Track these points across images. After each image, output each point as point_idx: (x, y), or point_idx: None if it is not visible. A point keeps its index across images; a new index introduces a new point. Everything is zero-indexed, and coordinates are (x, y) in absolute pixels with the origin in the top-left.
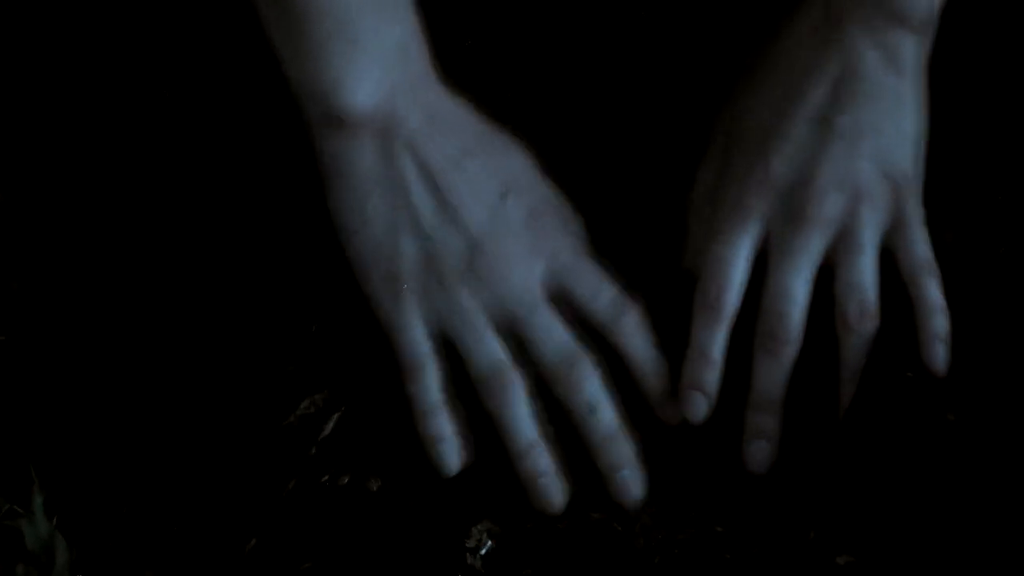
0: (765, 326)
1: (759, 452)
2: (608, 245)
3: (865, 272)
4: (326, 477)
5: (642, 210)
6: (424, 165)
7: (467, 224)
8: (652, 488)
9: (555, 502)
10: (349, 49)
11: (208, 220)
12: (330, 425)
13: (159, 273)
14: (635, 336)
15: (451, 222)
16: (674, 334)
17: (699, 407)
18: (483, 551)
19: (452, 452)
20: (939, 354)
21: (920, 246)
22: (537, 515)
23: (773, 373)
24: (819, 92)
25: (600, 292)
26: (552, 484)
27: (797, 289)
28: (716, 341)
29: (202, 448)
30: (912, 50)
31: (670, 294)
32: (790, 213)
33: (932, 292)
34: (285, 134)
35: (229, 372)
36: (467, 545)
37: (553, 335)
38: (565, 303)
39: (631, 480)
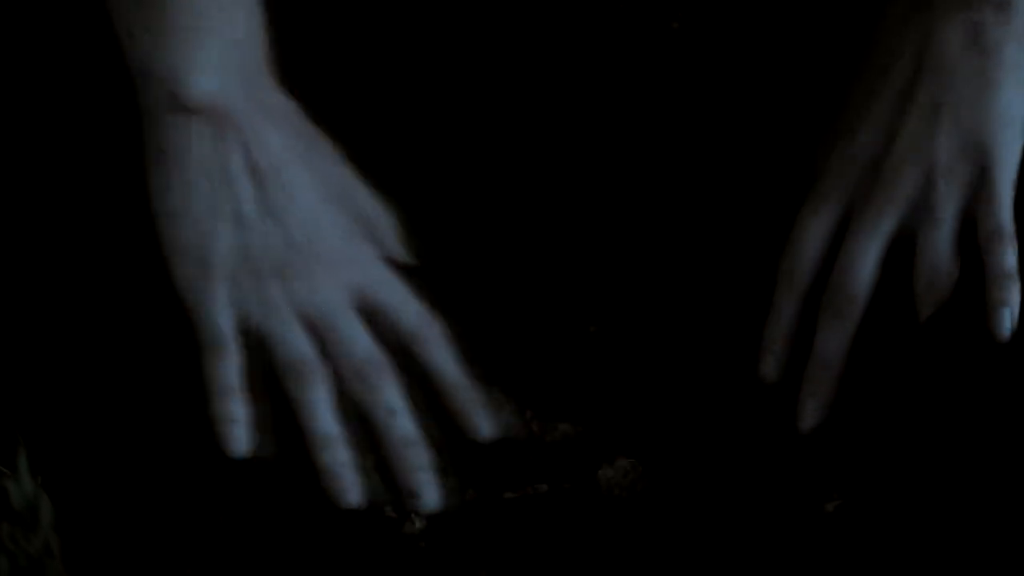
0: (830, 292)
1: (810, 413)
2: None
3: (940, 248)
4: None
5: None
6: (253, 159)
7: (287, 224)
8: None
9: (349, 497)
10: (192, 36)
11: None
12: None
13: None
14: (438, 349)
15: (272, 219)
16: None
17: (768, 367)
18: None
19: (240, 435)
20: (1004, 322)
21: (999, 215)
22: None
23: (833, 338)
24: (902, 69)
25: (406, 306)
26: (348, 478)
27: (865, 259)
28: (786, 307)
29: (187, 410)
30: (996, 29)
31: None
32: (869, 187)
33: (1003, 259)
34: None
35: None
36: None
37: (357, 339)
38: (373, 315)
39: (426, 486)
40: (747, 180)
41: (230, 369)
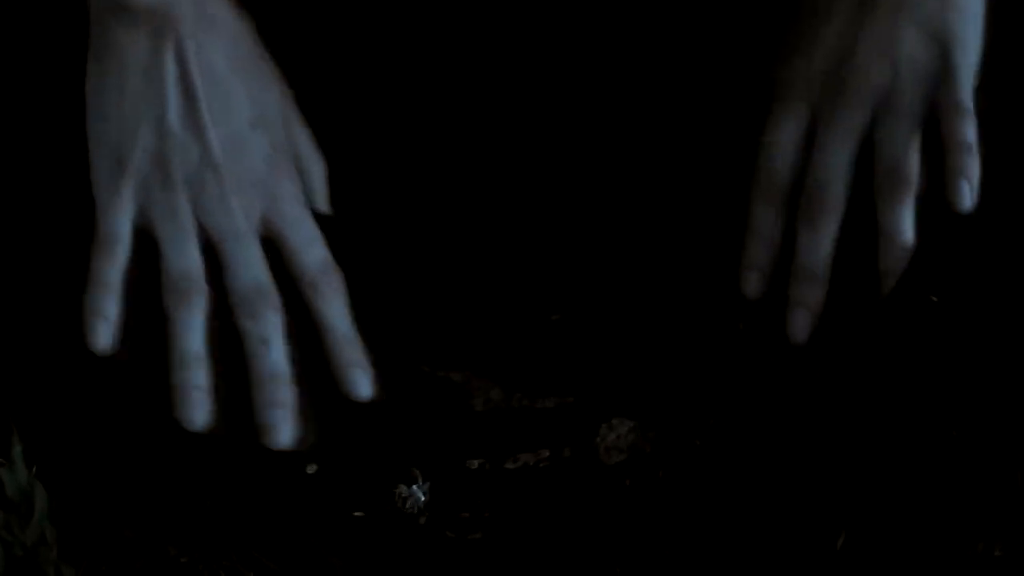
0: (806, 198)
1: (800, 322)
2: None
3: (902, 139)
4: None
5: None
6: (186, 70)
7: (208, 139)
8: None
9: (196, 419)
10: None
11: None
12: None
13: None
14: (334, 300)
15: (194, 132)
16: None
17: (751, 284)
18: (421, 500)
19: (105, 332)
20: (964, 192)
21: (960, 93)
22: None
23: (815, 244)
24: None
25: (311, 248)
26: (199, 401)
27: (838, 161)
28: (764, 217)
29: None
30: None
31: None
32: (834, 89)
33: (962, 132)
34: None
35: None
36: (400, 495)
37: (250, 265)
38: (275, 248)
39: (282, 423)
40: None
41: (114, 267)
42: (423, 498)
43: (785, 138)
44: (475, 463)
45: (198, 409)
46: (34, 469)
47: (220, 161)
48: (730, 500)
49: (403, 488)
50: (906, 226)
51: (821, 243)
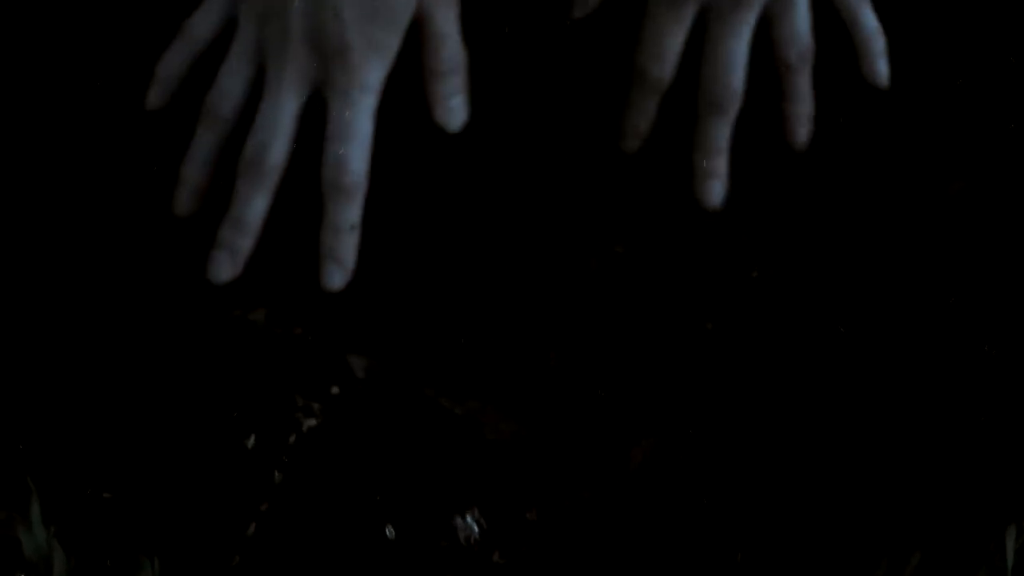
0: (706, 91)
1: (712, 190)
2: None
3: (799, 21)
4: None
5: None
6: None
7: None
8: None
9: (222, 276)
10: None
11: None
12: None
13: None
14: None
15: None
16: None
17: (629, 141)
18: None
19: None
20: (881, 69)
21: None
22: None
23: (717, 129)
24: None
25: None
26: (236, 263)
27: (735, 52)
28: (645, 110)
29: (196, 458)
30: None
31: None
32: None
33: (866, 16)
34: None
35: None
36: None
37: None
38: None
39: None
40: None
41: (205, 22)
42: (477, 529)
43: (676, 29)
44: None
45: (229, 269)
46: (52, 529)
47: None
48: (726, 510)
49: (459, 520)
50: (807, 90)
51: (724, 127)
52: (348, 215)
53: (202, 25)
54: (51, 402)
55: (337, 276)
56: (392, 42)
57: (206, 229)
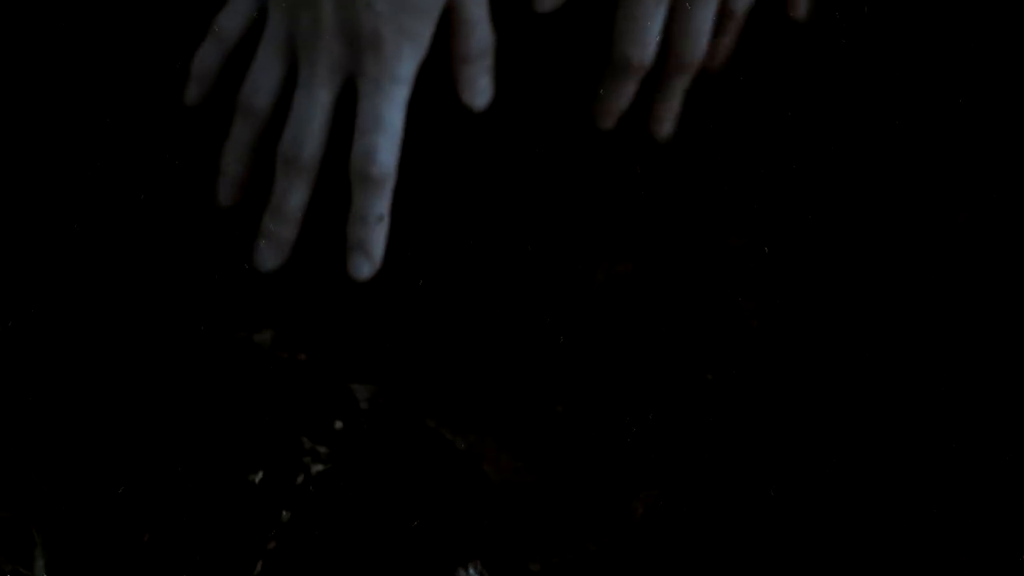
0: (676, 54)
1: (664, 129)
2: None
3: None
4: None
5: None
6: None
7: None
8: None
9: (267, 265)
10: None
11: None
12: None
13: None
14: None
15: None
16: None
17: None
18: None
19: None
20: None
21: None
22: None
23: (679, 83)
24: None
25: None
26: (281, 252)
27: (703, 20)
28: (626, 93)
29: (203, 495)
30: None
31: None
32: None
33: None
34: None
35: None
36: None
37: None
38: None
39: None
40: None
41: (239, 11)
42: None
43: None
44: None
45: (274, 258)
46: None
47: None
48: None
49: (462, 572)
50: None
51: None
52: (376, 206)
53: (233, 19)
54: (55, 442)
55: (365, 267)
56: (425, 32)
57: (216, 241)
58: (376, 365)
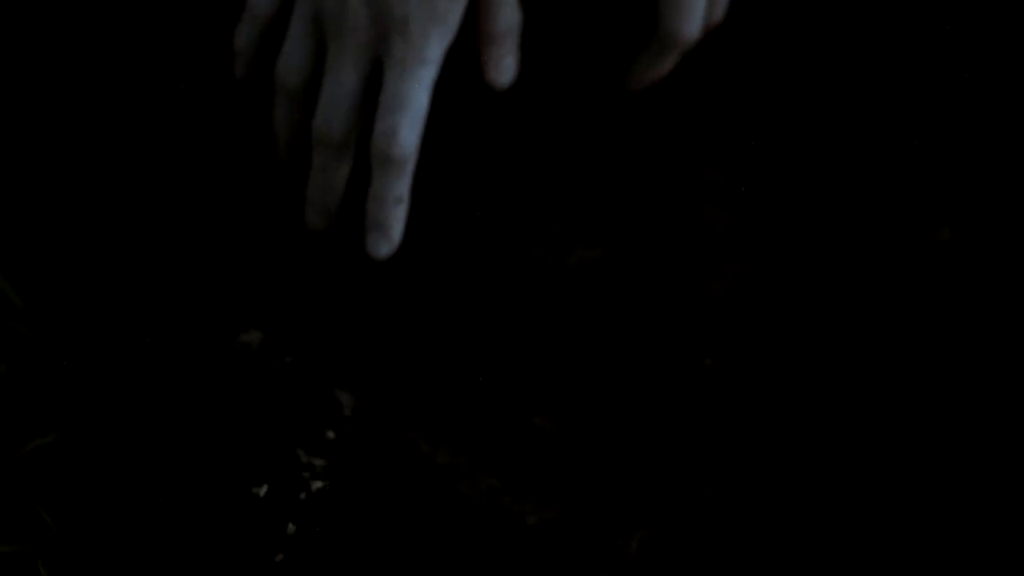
0: (666, 30)
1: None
2: None
3: None
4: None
5: None
6: None
7: None
8: None
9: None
10: None
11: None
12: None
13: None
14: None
15: None
16: None
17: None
18: None
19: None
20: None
21: None
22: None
23: (668, 61)
24: None
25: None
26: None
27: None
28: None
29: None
30: None
31: None
32: None
33: None
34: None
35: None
36: None
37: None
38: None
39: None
40: None
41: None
42: None
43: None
44: None
45: (322, 221)
46: None
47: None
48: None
49: None
50: None
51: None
52: (395, 188)
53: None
54: (58, 471)
55: (382, 246)
56: (455, 13)
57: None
58: (356, 365)
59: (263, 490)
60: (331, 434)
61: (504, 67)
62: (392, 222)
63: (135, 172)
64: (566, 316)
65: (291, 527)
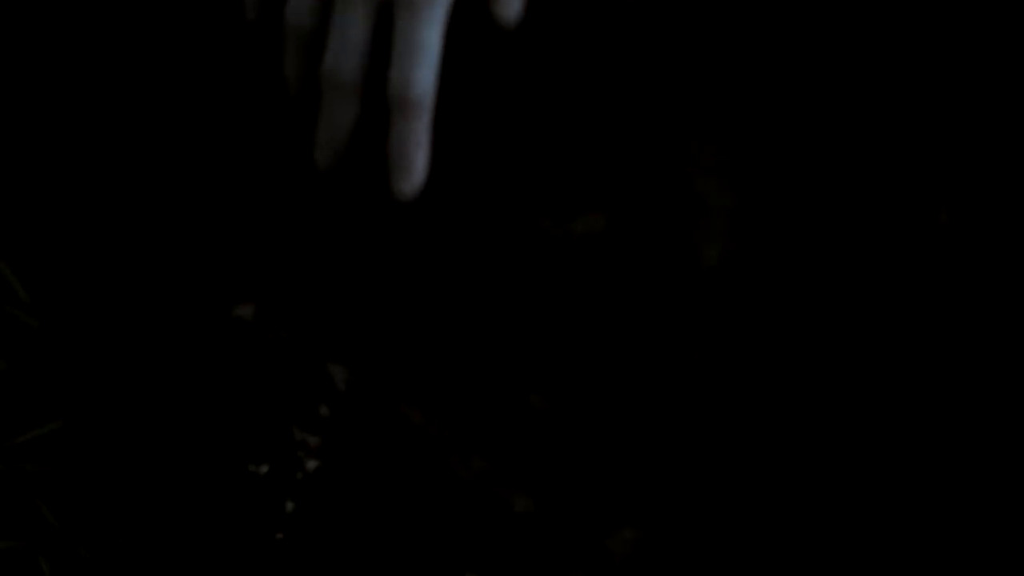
0: None
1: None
2: None
3: None
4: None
5: None
6: None
7: None
8: None
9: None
10: None
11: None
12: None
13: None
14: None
15: None
16: None
17: None
18: None
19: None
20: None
21: None
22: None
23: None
24: None
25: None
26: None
27: None
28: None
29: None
30: None
31: None
32: None
33: None
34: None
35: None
36: None
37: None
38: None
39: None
40: None
41: None
42: None
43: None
44: None
45: (330, 162)
46: None
47: None
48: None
49: None
50: None
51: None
52: (414, 131)
53: None
54: (59, 466)
55: (406, 184)
56: None
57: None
58: (351, 336)
59: (262, 469)
60: (325, 410)
61: (511, 1)
62: (415, 159)
63: (133, 153)
64: (570, 290)
65: (289, 506)
